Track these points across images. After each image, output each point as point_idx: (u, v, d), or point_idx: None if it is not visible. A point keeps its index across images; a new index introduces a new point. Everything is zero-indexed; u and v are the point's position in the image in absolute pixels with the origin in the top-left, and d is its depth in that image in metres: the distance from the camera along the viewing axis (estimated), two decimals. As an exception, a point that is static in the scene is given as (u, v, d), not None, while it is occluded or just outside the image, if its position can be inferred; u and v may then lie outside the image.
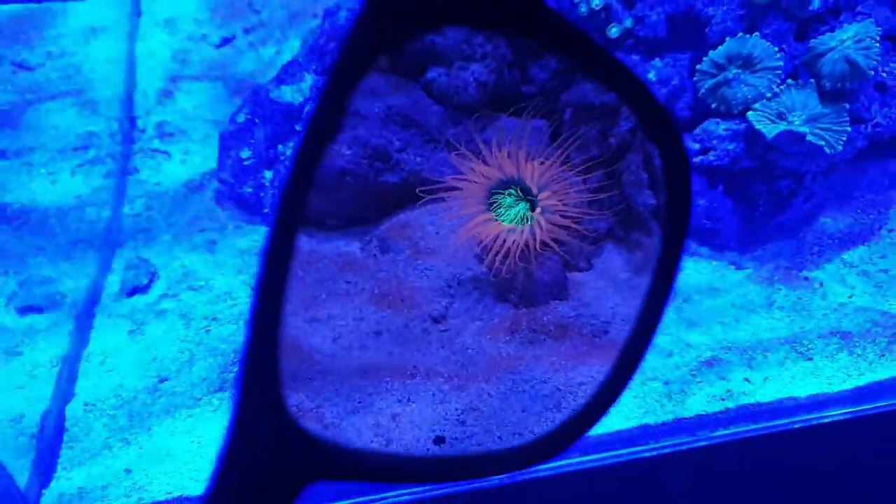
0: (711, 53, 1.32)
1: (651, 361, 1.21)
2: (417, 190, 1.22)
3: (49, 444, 1.03)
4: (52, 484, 0.99)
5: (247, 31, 1.89)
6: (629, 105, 0.18)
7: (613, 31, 1.35)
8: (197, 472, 1.03)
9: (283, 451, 0.15)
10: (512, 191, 1.25)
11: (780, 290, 1.33)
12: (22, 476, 0.97)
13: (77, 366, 1.14)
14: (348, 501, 0.96)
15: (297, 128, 1.42)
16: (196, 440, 1.06)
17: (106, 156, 1.57)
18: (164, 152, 1.59)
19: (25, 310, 1.22)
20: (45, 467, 1.00)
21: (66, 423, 1.06)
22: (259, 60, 1.84)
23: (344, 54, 0.17)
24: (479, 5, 0.17)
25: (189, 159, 1.58)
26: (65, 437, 1.04)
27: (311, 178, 0.17)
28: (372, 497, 0.97)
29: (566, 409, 1.05)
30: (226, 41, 1.87)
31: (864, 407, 1.18)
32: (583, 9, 1.31)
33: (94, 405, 1.08)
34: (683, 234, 0.18)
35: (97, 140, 1.60)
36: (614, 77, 0.17)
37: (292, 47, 1.78)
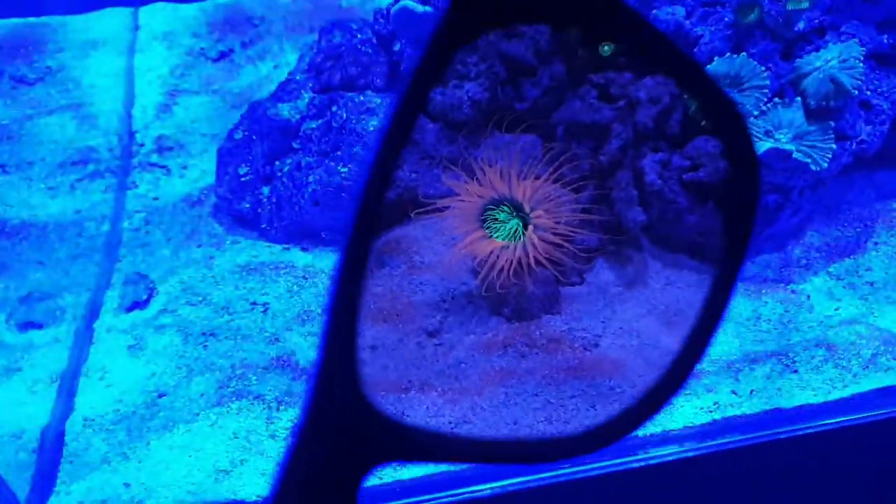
0: (700, 72, 1.34)
1: (641, 375, 1.23)
2: (413, 213, 1.25)
3: (49, 459, 1.05)
4: (52, 498, 1.01)
5: (244, 46, 1.92)
6: (695, 98, 0.18)
7: (606, 50, 1.38)
8: (195, 486, 1.05)
9: (356, 430, 0.16)
10: (505, 208, 1.27)
11: (766, 303, 1.36)
12: (22, 491, 0.99)
13: (76, 381, 1.16)
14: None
15: (295, 144, 1.45)
16: (194, 454, 1.08)
17: (105, 170, 1.59)
18: (163, 167, 1.61)
19: (26, 325, 1.24)
20: (45, 482, 1.02)
21: (66, 438, 1.07)
22: (257, 74, 1.86)
23: (424, 63, 0.17)
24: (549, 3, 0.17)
25: (187, 174, 1.60)
26: (64, 452, 1.06)
27: (388, 183, 0.17)
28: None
29: (556, 421, 1.08)
30: (223, 55, 1.89)
31: (849, 417, 1.21)
32: (574, 28, 1.34)
33: (93, 420, 1.10)
34: (749, 228, 0.19)
35: (96, 154, 1.62)
36: (680, 69, 0.17)
37: (290, 62, 1.81)
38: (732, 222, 0.18)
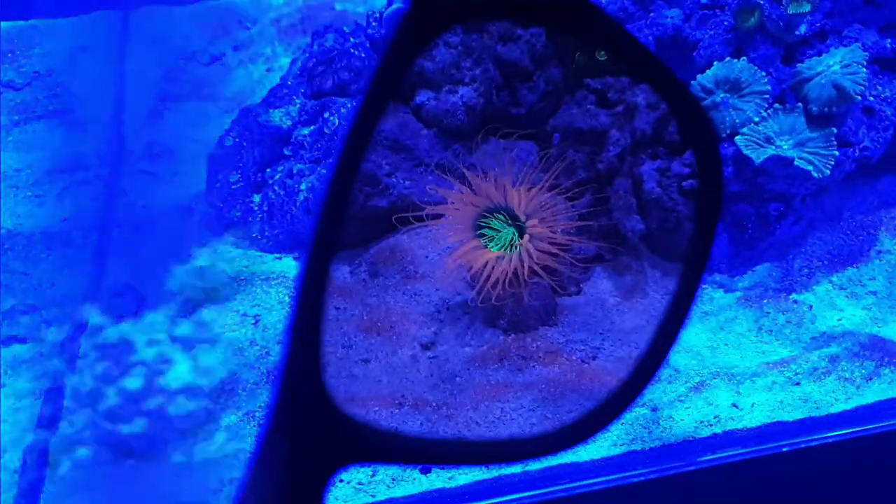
0: (699, 77, 1.32)
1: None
2: (411, 216, 1.22)
3: (32, 478, 1.02)
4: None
5: (236, 49, 1.89)
6: (670, 105, 0.18)
7: (602, 55, 1.36)
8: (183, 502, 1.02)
9: (322, 432, 0.16)
10: (500, 216, 1.24)
11: (769, 313, 1.34)
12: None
13: (61, 398, 1.13)
14: None
15: (287, 151, 1.42)
16: (178, 471, 1.05)
17: (94, 177, 1.56)
18: (153, 173, 1.58)
19: (9, 340, 1.21)
20: (28, 503, 1.00)
21: (49, 458, 1.05)
22: (249, 78, 1.83)
23: (380, 70, 0.18)
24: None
25: (177, 180, 1.57)
26: (47, 473, 1.03)
27: (351, 186, 0.18)
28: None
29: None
30: (215, 59, 1.86)
31: (852, 430, 1.19)
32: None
33: (77, 438, 1.07)
34: (712, 234, 0.19)
35: (85, 161, 1.59)
36: (656, 78, 0.18)
37: (282, 65, 1.78)
38: (698, 230, 0.19)
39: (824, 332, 1.30)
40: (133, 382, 1.21)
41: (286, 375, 0.16)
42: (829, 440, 1.17)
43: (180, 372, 1.24)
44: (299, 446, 0.16)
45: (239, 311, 1.28)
